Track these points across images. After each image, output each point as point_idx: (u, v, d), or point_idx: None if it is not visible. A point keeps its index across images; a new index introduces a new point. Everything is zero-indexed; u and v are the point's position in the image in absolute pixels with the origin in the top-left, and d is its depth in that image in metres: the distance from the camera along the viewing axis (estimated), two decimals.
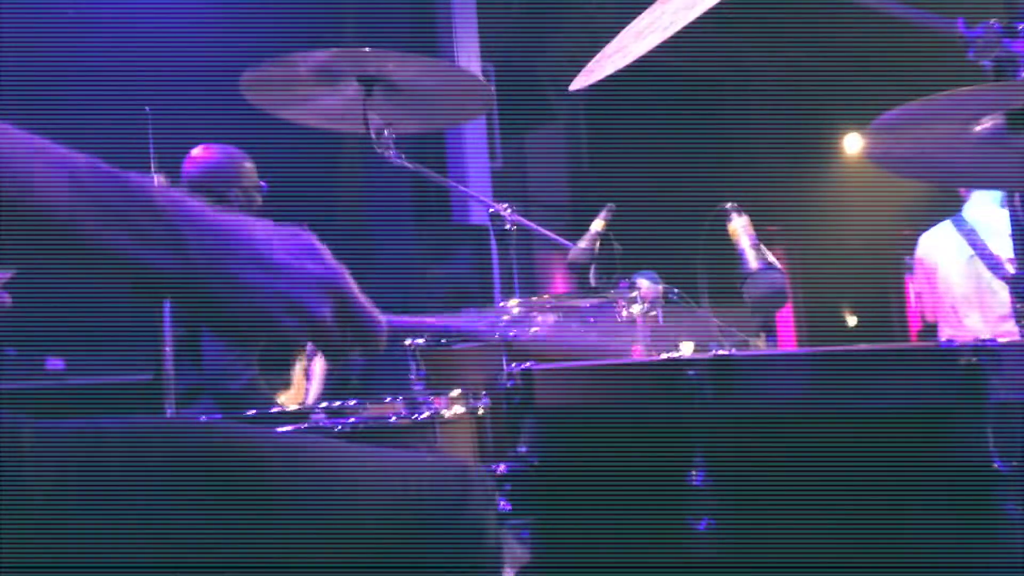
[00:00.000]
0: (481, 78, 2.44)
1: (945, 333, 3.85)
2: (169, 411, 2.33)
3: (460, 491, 1.04)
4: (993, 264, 3.64)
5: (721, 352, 1.05)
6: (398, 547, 0.99)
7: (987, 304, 3.68)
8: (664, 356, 1.10)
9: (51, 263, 0.82)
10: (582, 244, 2.13)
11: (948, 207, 4.00)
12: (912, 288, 4.16)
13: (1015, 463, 0.96)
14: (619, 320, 1.88)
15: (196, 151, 2.95)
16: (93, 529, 0.84)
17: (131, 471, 0.88)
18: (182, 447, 0.94)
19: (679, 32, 1.69)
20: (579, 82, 2.00)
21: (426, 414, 1.69)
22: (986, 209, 3.72)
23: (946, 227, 3.87)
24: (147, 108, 2.39)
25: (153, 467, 0.89)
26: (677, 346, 1.24)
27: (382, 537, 0.98)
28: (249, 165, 2.98)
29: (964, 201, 3.86)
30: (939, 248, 3.88)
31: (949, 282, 3.83)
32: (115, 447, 0.90)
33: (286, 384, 3.08)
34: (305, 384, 3.09)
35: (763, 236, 1.88)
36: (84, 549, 0.83)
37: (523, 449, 1.23)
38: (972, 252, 3.74)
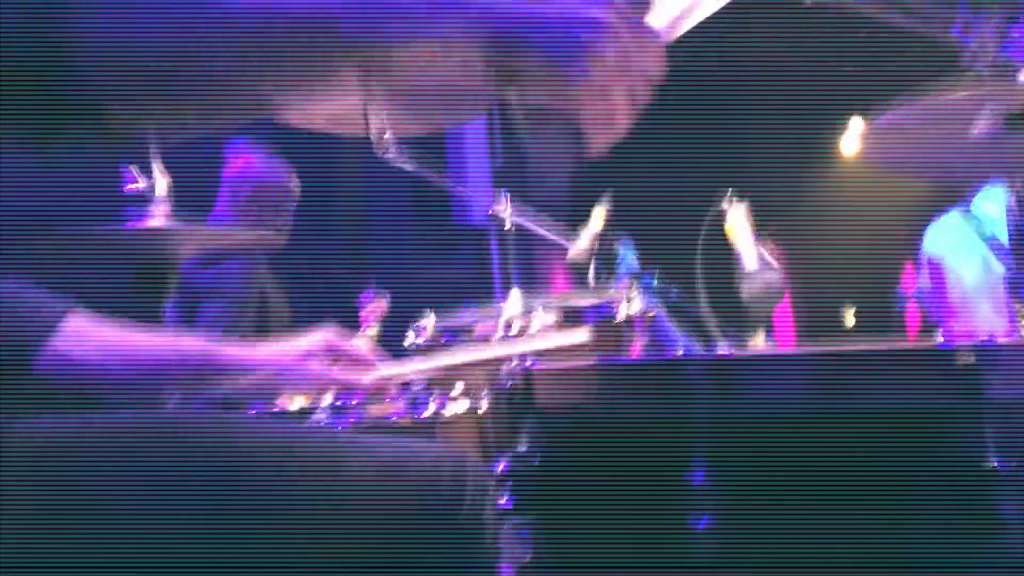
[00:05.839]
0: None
1: (953, 326, 3.81)
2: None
3: (455, 482, 1.04)
4: (1005, 254, 3.61)
5: (721, 351, 1.06)
6: (393, 539, 0.99)
7: (999, 294, 3.65)
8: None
9: None
10: (582, 243, 2.13)
11: (949, 206, 3.98)
12: (918, 285, 4.11)
13: (1014, 463, 0.96)
14: None
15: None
16: (69, 528, 0.84)
17: (116, 467, 0.88)
18: (173, 442, 0.94)
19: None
20: None
21: (427, 413, 1.69)
22: (996, 201, 3.68)
23: (954, 218, 3.83)
24: None
25: (142, 463, 0.89)
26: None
27: (377, 529, 0.98)
28: (291, 181, 3.10)
29: (971, 195, 3.83)
30: (947, 239, 3.85)
31: (959, 273, 3.80)
32: (97, 443, 0.90)
33: None
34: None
35: (762, 235, 1.88)
36: (63, 548, 0.83)
37: (523, 448, 1.23)
38: (983, 242, 3.71)
